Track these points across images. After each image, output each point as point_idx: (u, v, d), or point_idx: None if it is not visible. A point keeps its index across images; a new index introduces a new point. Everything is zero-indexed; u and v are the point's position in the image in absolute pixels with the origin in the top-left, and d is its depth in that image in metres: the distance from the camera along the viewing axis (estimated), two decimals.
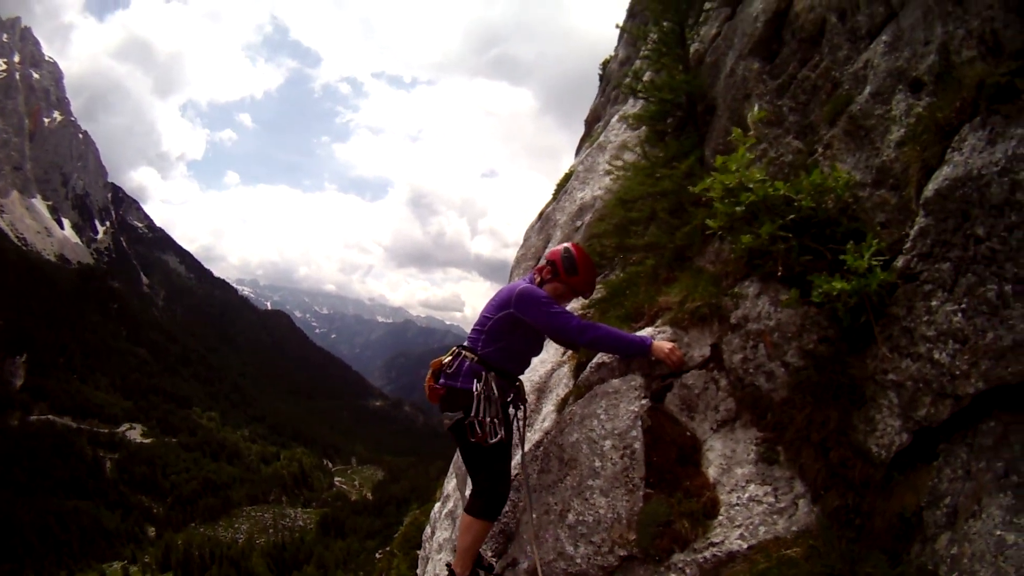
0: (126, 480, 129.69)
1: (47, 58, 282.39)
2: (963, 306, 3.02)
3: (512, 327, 4.81)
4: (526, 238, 10.78)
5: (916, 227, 3.41)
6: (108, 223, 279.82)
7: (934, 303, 3.20)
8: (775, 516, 3.77)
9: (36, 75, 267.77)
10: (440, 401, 4.77)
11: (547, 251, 5.64)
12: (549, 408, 5.76)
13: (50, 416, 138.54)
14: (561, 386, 5.86)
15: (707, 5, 6.80)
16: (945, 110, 3.43)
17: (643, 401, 4.58)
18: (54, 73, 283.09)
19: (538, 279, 5.08)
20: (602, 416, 4.65)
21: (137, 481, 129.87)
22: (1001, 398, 2.90)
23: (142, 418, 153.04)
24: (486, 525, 4.84)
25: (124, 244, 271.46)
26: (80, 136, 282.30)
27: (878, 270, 3.49)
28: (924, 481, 3.12)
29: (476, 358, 4.74)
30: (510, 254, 11.65)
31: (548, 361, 6.46)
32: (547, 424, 5.41)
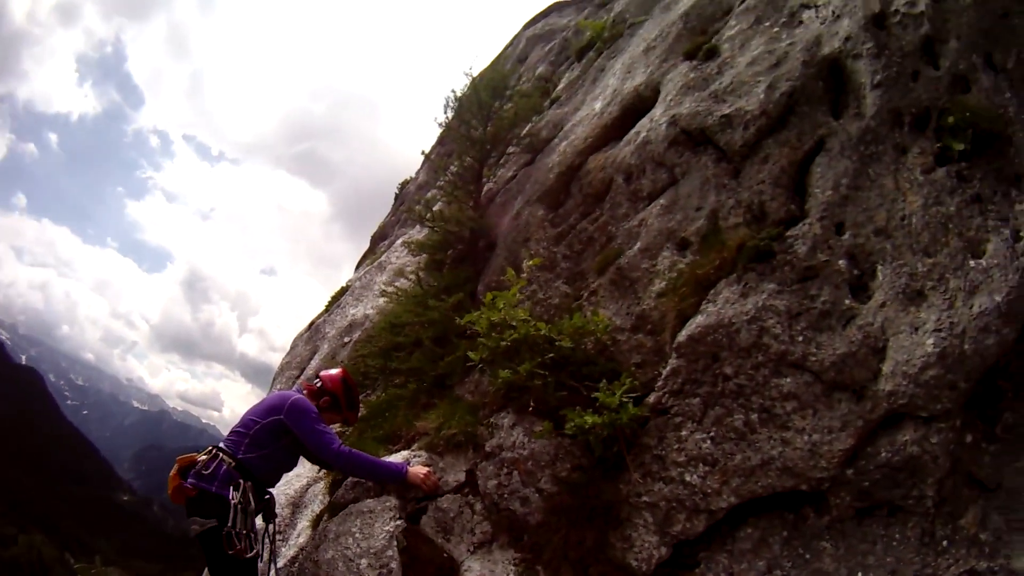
0: None
1: None
2: (712, 434, 3.29)
3: (277, 435, 4.46)
4: (293, 346, 10.36)
5: (669, 367, 3.67)
6: None
7: (684, 433, 3.43)
8: None
9: None
10: (188, 503, 4.26)
11: (318, 371, 5.40)
12: (304, 523, 5.42)
13: None
14: (316, 502, 5.53)
15: (510, 149, 7.20)
16: (706, 267, 3.82)
17: (398, 522, 4.44)
18: None
19: (313, 403, 4.78)
20: (357, 535, 4.48)
21: None
22: (755, 507, 3.14)
23: None
24: None
25: None
26: None
27: (629, 406, 3.66)
28: None
29: (234, 463, 4.31)
30: (275, 358, 10.93)
31: (304, 476, 6.09)
32: (302, 540, 5.06)
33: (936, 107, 3.45)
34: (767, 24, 4.58)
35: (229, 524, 4.03)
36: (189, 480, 4.27)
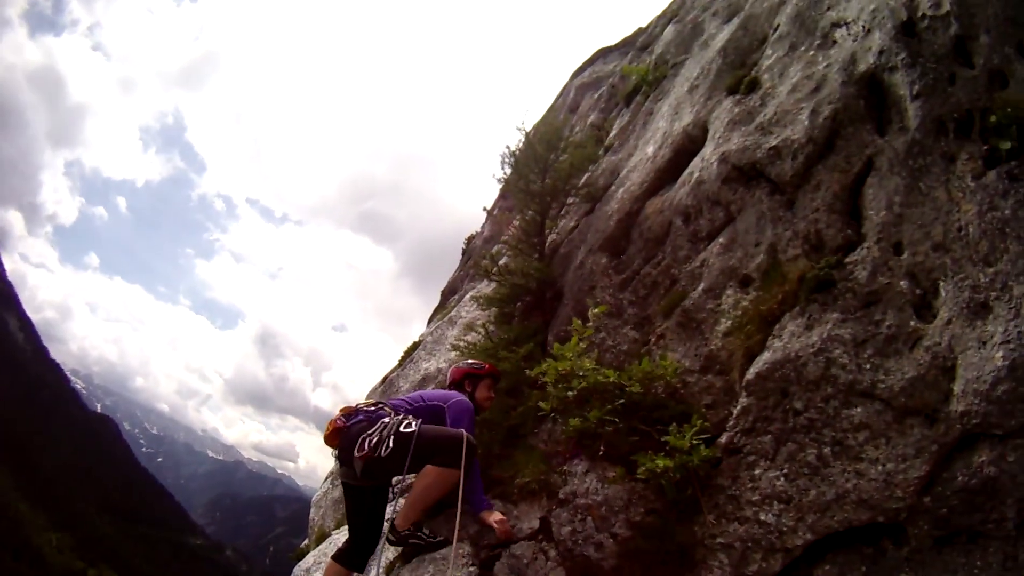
0: None
1: None
2: (785, 471, 3.24)
3: (432, 419, 4.84)
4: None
5: (739, 406, 3.65)
6: None
7: (757, 471, 3.39)
8: None
9: None
10: (341, 440, 4.69)
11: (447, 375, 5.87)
12: (377, 571, 5.43)
13: None
14: (390, 550, 5.54)
15: (569, 200, 7.33)
16: (769, 302, 3.80)
17: (471, 568, 4.46)
18: None
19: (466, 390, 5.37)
20: None
21: None
22: (833, 543, 3.04)
23: None
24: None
25: None
26: None
27: (701, 447, 3.65)
28: None
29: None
30: None
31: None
32: None
33: (977, 108, 3.32)
34: (802, 49, 4.62)
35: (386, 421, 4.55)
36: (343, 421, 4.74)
